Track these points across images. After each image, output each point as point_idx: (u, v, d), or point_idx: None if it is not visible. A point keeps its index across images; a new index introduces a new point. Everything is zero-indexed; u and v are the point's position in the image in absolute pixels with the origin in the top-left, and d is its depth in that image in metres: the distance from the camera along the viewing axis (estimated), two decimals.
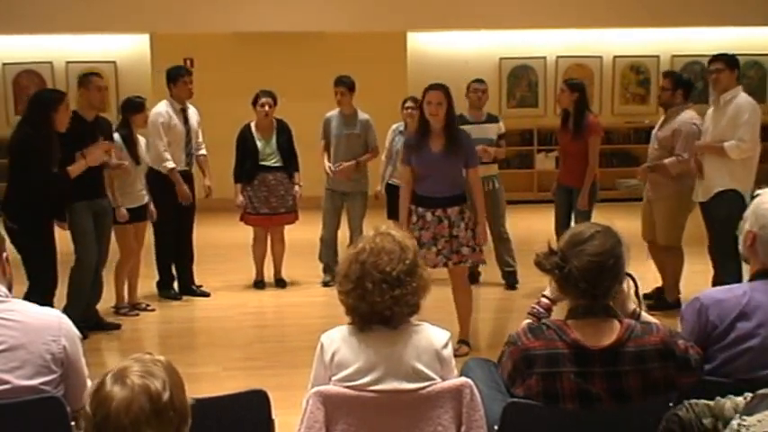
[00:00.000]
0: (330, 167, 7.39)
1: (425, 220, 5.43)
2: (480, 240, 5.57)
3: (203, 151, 7.22)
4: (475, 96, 7.24)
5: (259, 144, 7.23)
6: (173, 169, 6.77)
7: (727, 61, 5.97)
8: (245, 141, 7.26)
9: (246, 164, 7.22)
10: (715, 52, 6.19)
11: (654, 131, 6.60)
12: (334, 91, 7.39)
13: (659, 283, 6.64)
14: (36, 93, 6.11)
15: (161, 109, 6.87)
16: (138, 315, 6.69)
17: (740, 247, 2.88)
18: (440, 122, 5.40)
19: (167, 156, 6.76)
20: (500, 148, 7.33)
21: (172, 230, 7.00)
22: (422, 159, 5.46)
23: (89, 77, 6.20)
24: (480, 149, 6.93)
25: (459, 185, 5.54)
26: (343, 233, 7.52)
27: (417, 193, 5.52)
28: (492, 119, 7.33)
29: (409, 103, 7.27)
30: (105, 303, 6.60)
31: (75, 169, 5.65)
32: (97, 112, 6.11)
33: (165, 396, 1.82)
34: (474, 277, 7.21)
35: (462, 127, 6.98)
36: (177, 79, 6.93)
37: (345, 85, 7.35)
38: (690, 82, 6.69)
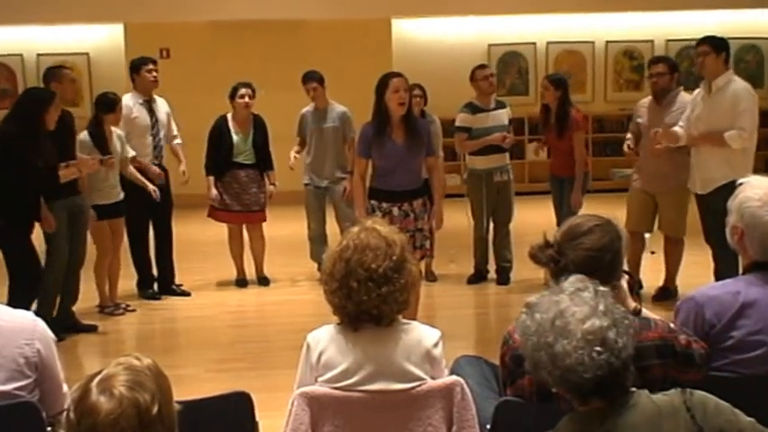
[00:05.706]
0: (295, 157, 7.32)
1: (392, 216, 5.23)
2: (434, 226, 5.47)
3: (178, 140, 7.15)
4: (486, 83, 6.99)
5: (235, 138, 7.07)
6: (134, 157, 6.66)
7: (713, 44, 5.70)
8: (220, 134, 7.08)
9: (218, 158, 7.06)
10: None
11: (643, 120, 6.32)
12: (305, 89, 7.22)
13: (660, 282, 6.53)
14: (26, 91, 6.18)
15: (122, 102, 6.76)
16: (123, 314, 6.59)
17: (729, 240, 2.87)
18: (403, 111, 5.22)
19: (128, 147, 6.66)
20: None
21: (146, 228, 6.91)
22: (385, 152, 5.28)
23: (61, 71, 6.16)
24: (500, 137, 6.88)
25: (421, 176, 5.49)
26: (331, 228, 7.31)
27: (380, 189, 5.35)
28: (501, 105, 7.15)
29: (417, 91, 7.04)
30: (86, 303, 6.51)
31: (65, 174, 5.66)
32: (64, 105, 6.00)
33: (154, 410, 1.79)
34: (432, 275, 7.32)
35: (478, 115, 7.03)
36: (140, 68, 6.86)
37: (314, 79, 7.20)
38: (678, 66, 6.65)
